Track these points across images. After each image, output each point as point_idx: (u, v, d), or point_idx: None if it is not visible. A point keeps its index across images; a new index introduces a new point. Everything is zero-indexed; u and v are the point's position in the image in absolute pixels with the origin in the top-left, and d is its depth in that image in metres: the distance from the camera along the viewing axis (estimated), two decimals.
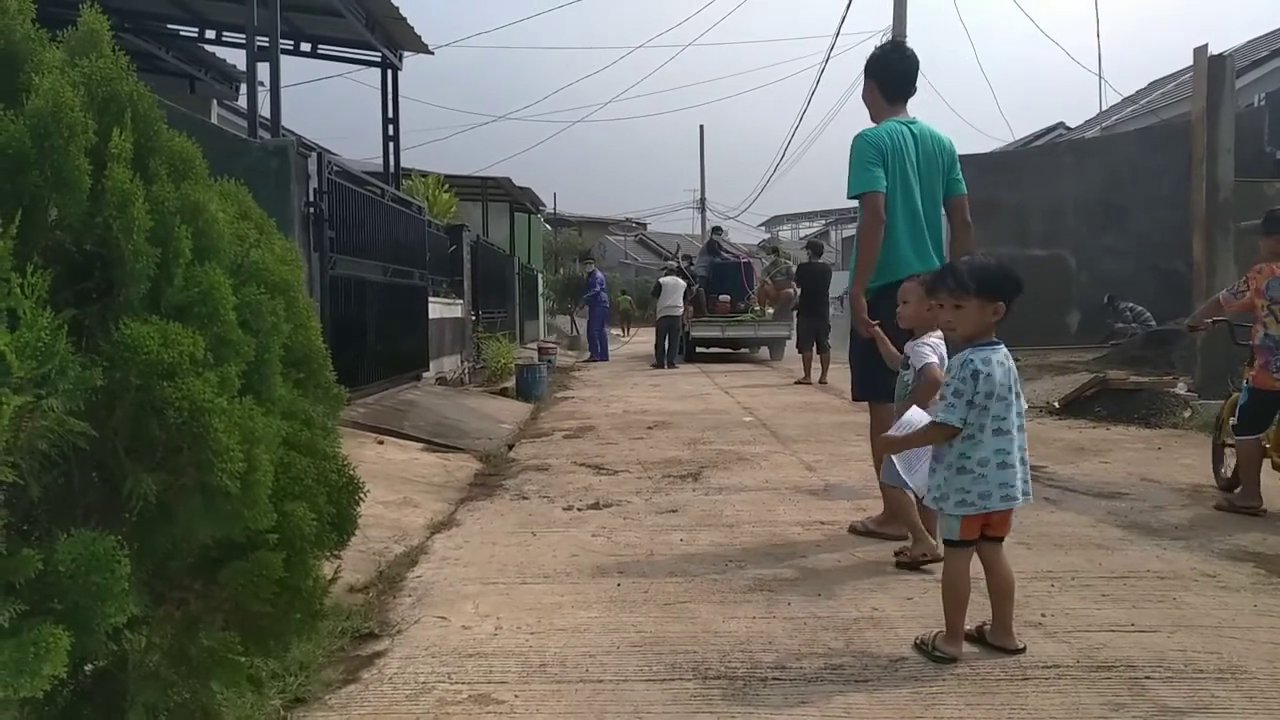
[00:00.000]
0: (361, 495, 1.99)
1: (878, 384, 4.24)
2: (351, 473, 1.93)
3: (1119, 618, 3.08)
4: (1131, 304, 12.55)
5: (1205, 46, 9.75)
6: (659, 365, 15.24)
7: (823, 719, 2.39)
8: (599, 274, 18.29)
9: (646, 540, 4.22)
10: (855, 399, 4.44)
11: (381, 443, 6.17)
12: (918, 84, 4.34)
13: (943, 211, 4.31)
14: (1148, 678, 2.59)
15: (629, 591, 3.47)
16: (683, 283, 16.00)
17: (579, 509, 4.88)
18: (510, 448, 7.04)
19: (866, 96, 4.37)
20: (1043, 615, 3.10)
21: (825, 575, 3.64)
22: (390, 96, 10.93)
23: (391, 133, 11.05)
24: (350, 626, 3.09)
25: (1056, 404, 8.16)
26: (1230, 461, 4.81)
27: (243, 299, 1.61)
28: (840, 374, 4.64)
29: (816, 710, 2.44)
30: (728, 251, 19.01)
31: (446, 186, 14.20)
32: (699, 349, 16.58)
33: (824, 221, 37.49)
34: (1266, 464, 4.55)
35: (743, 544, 4.14)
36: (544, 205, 25.91)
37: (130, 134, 1.55)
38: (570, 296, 17.58)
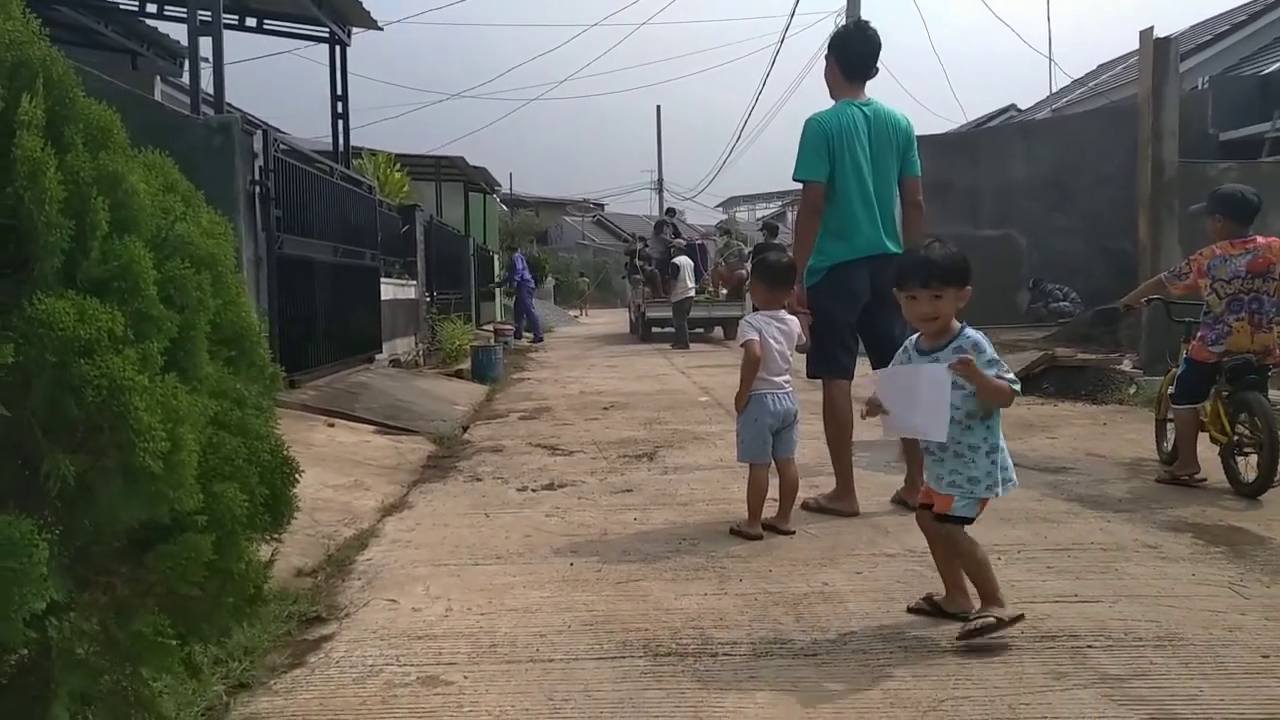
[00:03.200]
0: (297, 476, 1.94)
1: (833, 361, 4.29)
2: (286, 453, 1.88)
3: (1063, 589, 3.13)
4: (1058, 285, 12.83)
5: (1151, 29, 9.89)
6: (684, 346, 15.08)
7: (772, 693, 2.40)
8: (518, 257, 18.79)
9: (601, 520, 4.20)
10: (810, 376, 4.46)
11: (332, 425, 6.08)
12: (878, 66, 4.36)
13: (897, 192, 4.34)
14: (1089, 647, 2.63)
15: (582, 571, 3.46)
16: (691, 262, 15.84)
17: (533, 490, 4.85)
18: (464, 429, 6.98)
19: (827, 74, 4.42)
20: None
21: (777, 552, 3.66)
22: (339, 73, 10.70)
23: (341, 110, 10.83)
24: (297, 610, 3.04)
25: None
26: (1172, 436, 4.91)
27: (165, 273, 1.55)
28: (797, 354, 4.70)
29: (766, 685, 2.45)
30: (681, 234, 19.02)
31: (398, 166, 13.98)
32: (654, 329, 16.63)
33: (780, 203, 37.61)
34: (1204, 437, 4.65)
35: (696, 522, 4.14)
36: (499, 185, 25.62)
37: (42, 101, 1.48)
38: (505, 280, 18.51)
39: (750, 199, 43.23)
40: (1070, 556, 3.48)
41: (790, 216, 34.04)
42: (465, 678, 2.53)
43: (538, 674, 2.55)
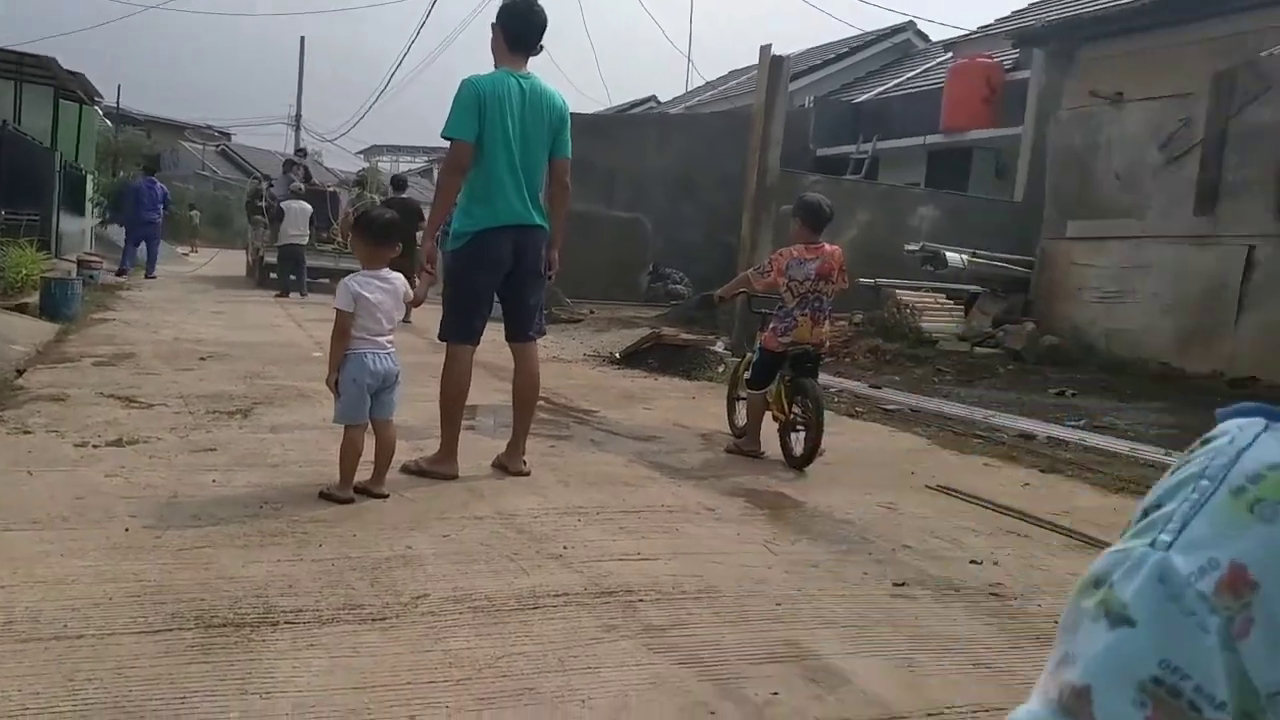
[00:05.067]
0: None
1: (466, 327, 4.31)
2: None
3: (629, 548, 3.40)
4: (675, 270, 14.08)
5: (769, 46, 10.98)
6: (283, 294, 14.18)
7: (330, 660, 2.34)
8: (146, 184, 16.55)
9: (172, 481, 3.83)
10: (441, 339, 4.42)
11: None
12: (543, 44, 4.41)
13: (545, 169, 4.41)
14: (640, 600, 2.88)
15: (139, 538, 3.13)
16: (309, 208, 14.91)
17: (95, 446, 4.29)
18: (19, 373, 6.00)
19: (492, 43, 4.41)
20: (565, 548, 3.32)
21: (366, 515, 3.58)
22: None
23: None
24: None
25: (618, 355, 8.82)
26: (741, 412, 5.54)
27: None
28: (432, 314, 4.60)
29: (325, 651, 2.38)
30: (312, 177, 17.93)
31: None
32: (273, 275, 15.55)
33: (427, 158, 36.84)
34: (769, 415, 5.29)
35: (284, 484, 3.93)
36: (101, 97, 22.27)
37: None
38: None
39: (395, 150, 41.65)
40: (640, 518, 3.79)
41: (436, 173, 33.53)
42: None
43: (60, 652, 2.26)
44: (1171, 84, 9.58)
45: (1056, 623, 2.36)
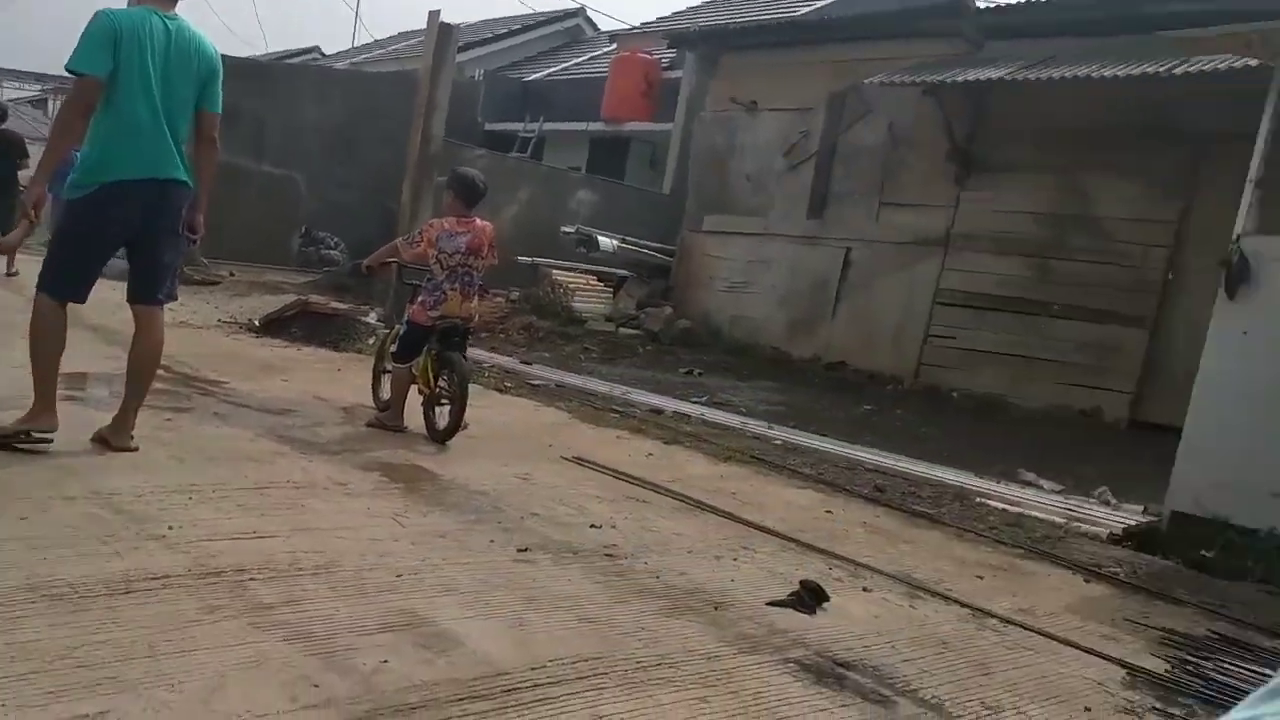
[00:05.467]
0: None
1: (71, 284, 3.86)
2: None
3: (245, 526, 3.25)
4: (330, 234, 13.49)
5: (439, 12, 10.83)
6: None
7: None
8: None
9: None
10: (41, 290, 3.90)
11: None
12: None
13: (190, 120, 4.01)
14: (252, 579, 2.78)
15: None
16: None
17: None
18: None
19: None
20: (170, 528, 3.10)
21: None
22: None
23: None
24: None
25: (257, 322, 8.28)
26: (386, 385, 5.46)
27: None
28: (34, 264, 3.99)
29: None
30: None
31: None
32: None
33: (41, 86, 31.83)
34: (414, 389, 5.27)
35: None
36: None
37: None
38: None
39: (8, 74, 35.24)
40: (263, 495, 3.63)
41: (51, 105, 29.14)
42: None
43: None
44: (798, 98, 10.81)
45: (658, 577, 2.67)
